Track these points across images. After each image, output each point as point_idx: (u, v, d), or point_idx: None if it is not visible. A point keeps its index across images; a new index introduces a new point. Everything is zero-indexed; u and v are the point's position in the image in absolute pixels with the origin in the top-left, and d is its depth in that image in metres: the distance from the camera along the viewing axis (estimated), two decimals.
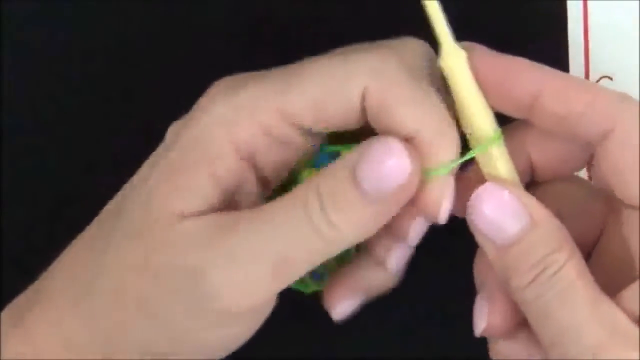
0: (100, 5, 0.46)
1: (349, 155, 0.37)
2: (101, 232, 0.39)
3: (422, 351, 0.47)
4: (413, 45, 0.39)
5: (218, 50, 0.47)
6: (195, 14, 0.47)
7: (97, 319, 0.39)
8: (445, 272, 0.47)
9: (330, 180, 0.37)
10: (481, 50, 0.39)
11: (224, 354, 0.40)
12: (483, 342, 0.47)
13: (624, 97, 0.37)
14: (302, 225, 0.37)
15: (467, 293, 0.47)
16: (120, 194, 0.40)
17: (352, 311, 0.40)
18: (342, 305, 0.40)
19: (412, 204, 0.38)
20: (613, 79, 0.47)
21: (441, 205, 0.37)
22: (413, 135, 0.37)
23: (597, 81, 0.47)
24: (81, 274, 0.39)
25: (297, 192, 0.37)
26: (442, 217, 0.38)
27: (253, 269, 0.37)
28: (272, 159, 0.38)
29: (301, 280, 0.41)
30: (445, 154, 0.37)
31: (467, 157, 0.38)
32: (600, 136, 0.37)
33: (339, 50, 0.39)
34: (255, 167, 0.38)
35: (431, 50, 0.39)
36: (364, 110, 0.37)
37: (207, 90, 0.39)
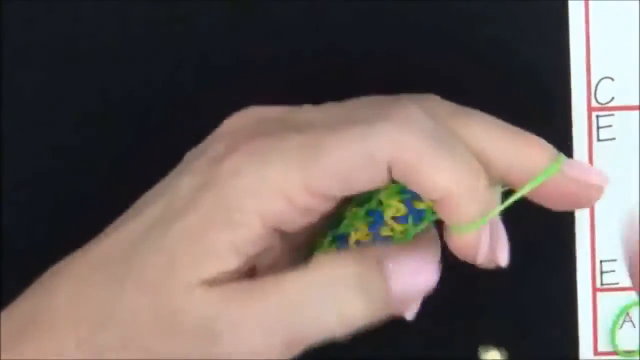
0: (100, 5, 0.46)
1: (378, 252, 0.38)
2: (108, 274, 0.39)
3: (421, 351, 0.47)
4: (431, 103, 0.39)
5: (220, 50, 0.47)
6: (198, 14, 0.47)
7: (102, 357, 0.39)
8: (444, 272, 0.47)
9: (366, 268, 0.38)
10: None
11: None
12: (484, 341, 0.47)
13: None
14: (321, 306, 0.38)
15: (466, 293, 0.47)
16: (123, 237, 0.40)
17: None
18: (412, 307, 0.41)
19: None
20: (614, 80, 0.47)
21: (478, 253, 0.39)
22: (444, 197, 0.37)
23: (599, 82, 0.47)
24: (86, 313, 0.39)
25: (316, 269, 0.38)
26: (481, 261, 0.39)
27: (263, 342, 0.38)
28: (298, 224, 0.38)
29: None
30: (477, 209, 0.38)
31: (498, 210, 0.39)
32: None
33: (360, 107, 0.39)
34: (280, 233, 0.39)
35: (449, 103, 0.40)
36: (390, 174, 0.38)
37: (219, 137, 0.39)
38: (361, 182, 0.38)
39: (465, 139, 0.38)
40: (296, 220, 0.38)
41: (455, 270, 0.47)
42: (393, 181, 0.38)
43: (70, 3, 0.46)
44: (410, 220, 0.41)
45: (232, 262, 0.38)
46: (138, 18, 0.47)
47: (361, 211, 0.41)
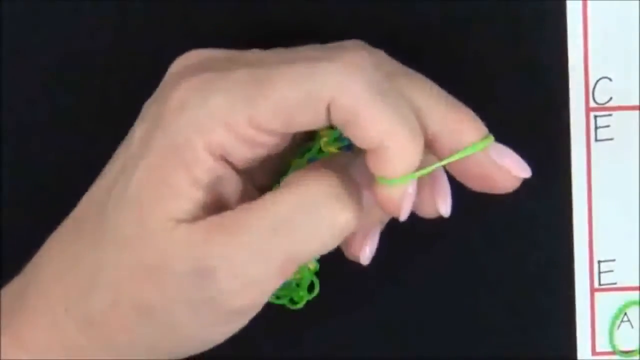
0: (100, 5, 0.46)
1: (350, 157, 0.39)
2: (86, 238, 0.39)
3: (421, 351, 0.47)
4: (379, 57, 0.39)
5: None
6: (196, 15, 0.47)
7: (95, 325, 0.39)
8: (444, 273, 0.47)
9: (340, 177, 0.38)
10: None
11: (215, 344, 0.40)
12: (483, 341, 0.47)
13: None
14: (313, 221, 0.38)
15: (466, 293, 0.47)
16: (92, 198, 0.40)
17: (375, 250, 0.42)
18: (366, 250, 0.42)
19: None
20: (612, 79, 0.47)
21: (401, 210, 0.39)
22: (377, 147, 0.37)
23: (597, 82, 0.47)
24: (71, 279, 0.39)
25: (300, 187, 0.38)
26: (403, 218, 0.39)
27: (261, 267, 0.38)
28: (247, 157, 0.39)
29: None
30: (407, 164, 0.38)
31: (429, 169, 0.39)
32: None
33: (308, 50, 0.39)
34: (232, 166, 0.39)
35: (395, 61, 0.40)
36: (329, 116, 0.38)
37: (169, 81, 0.40)
38: (302, 120, 0.38)
39: (407, 96, 0.38)
40: (244, 152, 0.38)
41: (455, 270, 0.47)
42: (332, 128, 0.39)
43: (71, 3, 0.46)
44: None
45: (195, 196, 0.38)
46: (138, 18, 0.47)
47: (303, 160, 0.42)
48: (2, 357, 0.39)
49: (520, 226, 0.47)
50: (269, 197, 0.38)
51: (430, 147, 0.39)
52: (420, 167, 0.38)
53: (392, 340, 0.47)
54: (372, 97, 0.37)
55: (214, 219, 0.38)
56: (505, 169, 0.39)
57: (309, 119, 0.38)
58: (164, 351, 0.39)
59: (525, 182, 0.46)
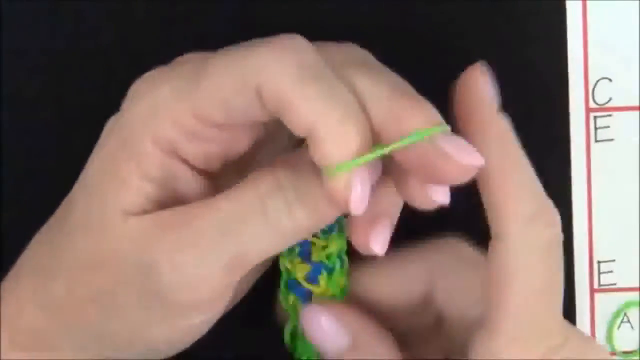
0: (100, 5, 0.46)
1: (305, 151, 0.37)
2: (57, 225, 0.40)
3: None
4: (303, 41, 0.38)
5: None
6: (197, 15, 0.47)
7: (54, 310, 0.39)
8: None
9: (292, 174, 0.37)
10: None
11: (183, 347, 0.40)
12: None
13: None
14: (260, 220, 0.37)
15: None
16: (75, 186, 0.41)
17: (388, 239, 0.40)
18: (378, 240, 0.39)
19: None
20: (612, 80, 0.47)
21: (349, 202, 0.36)
22: (309, 132, 0.36)
23: (596, 83, 0.47)
24: (39, 266, 0.40)
25: (249, 186, 0.37)
26: (354, 211, 0.36)
27: (204, 265, 0.37)
28: (201, 153, 0.38)
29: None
30: (341, 151, 0.36)
31: (370, 156, 0.36)
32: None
33: (249, 42, 0.38)
34: (188, 164, 0.39)
35: (361, 54, 0.39)
36: (263, 105, 0.37)
37: (135, 82, 0.40)
38: (238, 109, 0.37)
39: (352, 84, 0.37)
40: (191, 146, 0.38)
41: None
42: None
43: (71, 3, 0.47)
44: (322, 271, 0.41)
45: (146, 190, 0.38)
46: (138, 18, 0.47)
47: (282, 286, 0.42)
48: None
49: None
50: (222, 195, 0.38)
51: (377, 137, 0.37)
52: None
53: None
54: (300, 79, 0.36)
55: (163, 214, 0.38)
56: (452, 157, 0.36)
57: (244, 107, 0.37)
58: (119, 345, 0.39)
59: None
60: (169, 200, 0.39)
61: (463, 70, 0.40)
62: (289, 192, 0.37)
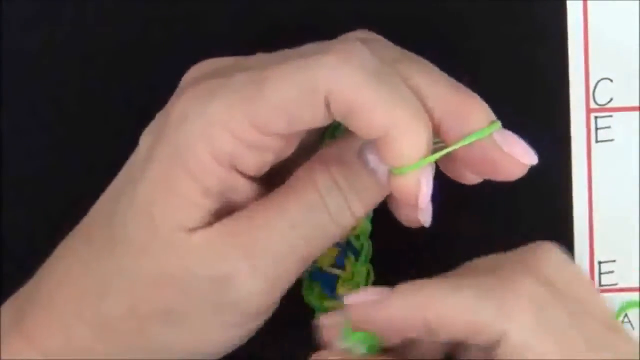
0: (100, 6, 0.46)
1: (353, 142, 0.38)
2: (96, 246, 0.40)
3: None
4: (379, 45, 0.39)
5: (219, 51, 0.47)
6: (197, 15, 0.47)
7: (110, 330, 0.39)
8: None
9: (346, 170, 0.38)
10: (356, 301, 0.38)
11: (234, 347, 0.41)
12: None
13: (503, 305, 0.36)
14: (325, 218, 0.38)
15: None
16: (102, 207, 0.40)
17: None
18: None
19: None
20: (613, 80, 0.47)
21: (419, 197, 0.37)
22: (381, 135, 0.37)
23: (597, 83, 0.47)
24: (82, 285, 0.39)
25: (307, 184, 0.38)
26: (423, 204, 0.38)
27: (280, 270, 0.38)
28: (257, 163, 0.38)
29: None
30: (416, 150, 0.37)
31: (438, 155, 0.37)
32: (494, 343, 0.36)
33: (307, 48, 0.39)
34: (239, 172, 0.38)
35: (397, 47, 0.39)
36: (329, 111, 0.37)
37: (178, 92, 0.39)
38: (303, 117, 0.37)
39: (409, 83, 0.37)
40: (250, 157, 0.38)
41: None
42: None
43: (71, 3, 0.47)
44: (349, 254, 0.42)
45: (206, 205, 0.38)
46: (138, 18, 0.47)
47: (306, 277, 0.43)
48: (16, 357, 0.39)
49: (520, 226, 0.47)
50: (277, 196, 0.38)
51: (436, 133, 0.38)
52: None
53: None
54: (369, 83, 0.36)
55: (228, 224, 0.38)
56: (511, 155, 0.38)
57: (309, 115, 0.37)
58: (182, 354, 0.40)
59: (526, 183, 0.46)
60: (225, 209, 0.39)
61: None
62: (345, 189, 0.38)
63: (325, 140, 0.42)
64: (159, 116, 0.40)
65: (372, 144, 0.38)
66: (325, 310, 0.43)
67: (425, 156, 0.37)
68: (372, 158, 0.38)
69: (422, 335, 0.37)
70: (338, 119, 0.37)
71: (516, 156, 0.38)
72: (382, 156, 0.37)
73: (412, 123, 0.36)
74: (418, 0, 0.46)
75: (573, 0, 0.46)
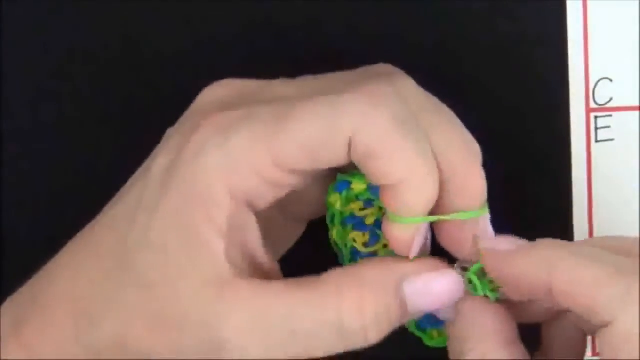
0: (100, 6, 0.46)
1: (393, 270, 0.38)
2: (103, 266, 0.39)
3: (421, 351, 0.47)
4: (405, 90, 0.38)
5: (219, 51, 0.47)
6: (197, 15, 0.47)
7: (101, 356, 0.38)
8: None
9: (376, 299, 0.38)
10: (492, 247, 0.39)
11: None
12: None
13: (626, 292, 0.36)
14: (335, 337, 0.38)
15: None
16: (111, 223, 0.39)
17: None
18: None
19: None
20: (613, 80, 0.47)
21: (412, 247, 0.39)
22: (397, 182, 0.37)
23: (597, 83, 0.47)
24: (85, 303, 0.39)
25: (331, 300, 0.37)
26: (412, 254, 0.39)
27: (270, 354, 0.37)
28: (267, 199, 0.38)
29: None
30: (424, 202, 0.38)
31: (438, 218, 0.39)
32: (602, 324, 0.36)
33: (332, 80, 0.39)
34: (251, 208, 0.38)
35: (421, 92, 0.39)
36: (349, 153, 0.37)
37: (195, 114, 0.39)
38: (325, 156, 0.37)
39: (428, 137, 0.38)
40: (266, 194, 0.38)
41: None
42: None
43: (71, 3, 0.47)
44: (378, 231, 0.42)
45: (221, 246, 0.37)
46: (138, 18, 0.47)
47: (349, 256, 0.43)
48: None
49: (520, 226, 0.47)
50: (301, 294, 0.38)
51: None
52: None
53: (392, 340, 0.47)
54: (395, 130, 0.36)
55: (242, 288, 0.37)
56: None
57: (331, 154, 0.37)
58: None
59: (526, 183, 0.46)
60: (237, 249, 0.38)
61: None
62: (368, 318, 0.38)
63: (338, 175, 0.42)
64: (174, 135, 0.39)
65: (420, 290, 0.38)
66: None
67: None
68: (414, 303, 0.38)
69: (540, 299, 0.38)
70: (355, 159, 0.37)
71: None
72: (387, 203, 0.38)
73: (427, 179, 0.37)
74: (418, 1, 0.46)
75: (573, 0, 0.46)
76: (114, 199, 0.40)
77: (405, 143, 0.37)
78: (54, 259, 0.41)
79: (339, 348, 0.38)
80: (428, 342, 0.44)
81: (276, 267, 0.40)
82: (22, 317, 0.40)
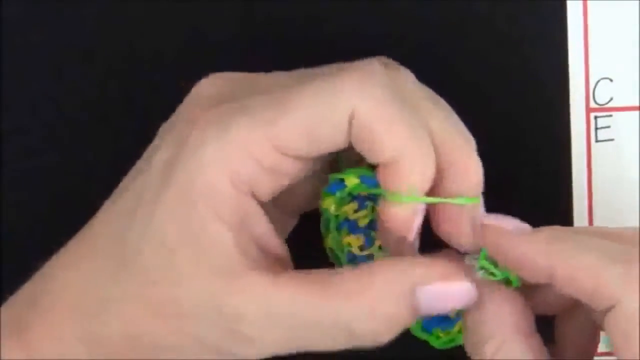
0: (100, 6, 0.46)
1: (407, 274, 0.37)
2: (103, 262, 0.39)
3: (421, 351, 0.47)
4: (399, 72, 0.39)
5: (219, 51, 0.47)
6: (196, 15, 0.47)
7: (106, 351, 0.39)
8: None
9: (389, 305, 0.37)
10: (496, 223, 0.39)
11: None
12: None
13: (627, 273, 0.36)
14: (341, 331, 0.37)
15: None
16: (110, 219, 0.39)
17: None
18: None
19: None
20: (613, 80, 0.47)
21: (411, 229, 0.38)
22: (392, 161, 0.37)
23: (597, 83, 0.47)
24: (85, 302, 0.39)
25: (341, 300, 0.37)
26: (411, 236, 0.39)
27: (272, 341, 0.38)
28: (270, 189, 0.38)
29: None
30: (422, 179, 0.37)
31: (437, 200, 0.38)
32: (607, 308, 0.36)
33: (325, 69, 0.39)
34: (254, 197, 0.38)
35: (413, 77, 0.39)
36: (349, 134, 0.37)
37: (189, 107, 0.39)
38: (325, 137, 0.37)
39: (424, 119, 0.38)
40: (267, 181, 0.38)
41: None
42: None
43: (71, 3, 0.47)
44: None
45: (226, 237, 0.37)
46: (138, 18, 0.47)
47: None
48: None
49: None
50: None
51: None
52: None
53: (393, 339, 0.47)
54: (392, 104, 0.37)
55: (251, 277, 0.37)
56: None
57: (332, 135, 0.37)
58: None
59: (526, 182, 0.46)
60: (247, 237, 0.38)
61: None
62: (381, 324, 0.38)
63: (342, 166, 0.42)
64: (171, 130, 0.39)
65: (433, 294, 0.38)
66: None
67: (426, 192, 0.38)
68: (426, 307, 0.38)
69: (547, 283, 0.38)
70: (354, 139, 0.37)
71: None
72: (385, 181, 0.38)
73: (425, 154, 0.37)
74: (418, 1, 0.46)
75: (573, 0, 0.46)
76: (113, 196, 0.40)
77: (402, 115, 0.37)
78: (53, 257, 0.41)
79: (348, 347, 0.38)
80: (434, 343, 0.44)
81: (287, 252, 0.40)
82: (22, 317, 0.40)
